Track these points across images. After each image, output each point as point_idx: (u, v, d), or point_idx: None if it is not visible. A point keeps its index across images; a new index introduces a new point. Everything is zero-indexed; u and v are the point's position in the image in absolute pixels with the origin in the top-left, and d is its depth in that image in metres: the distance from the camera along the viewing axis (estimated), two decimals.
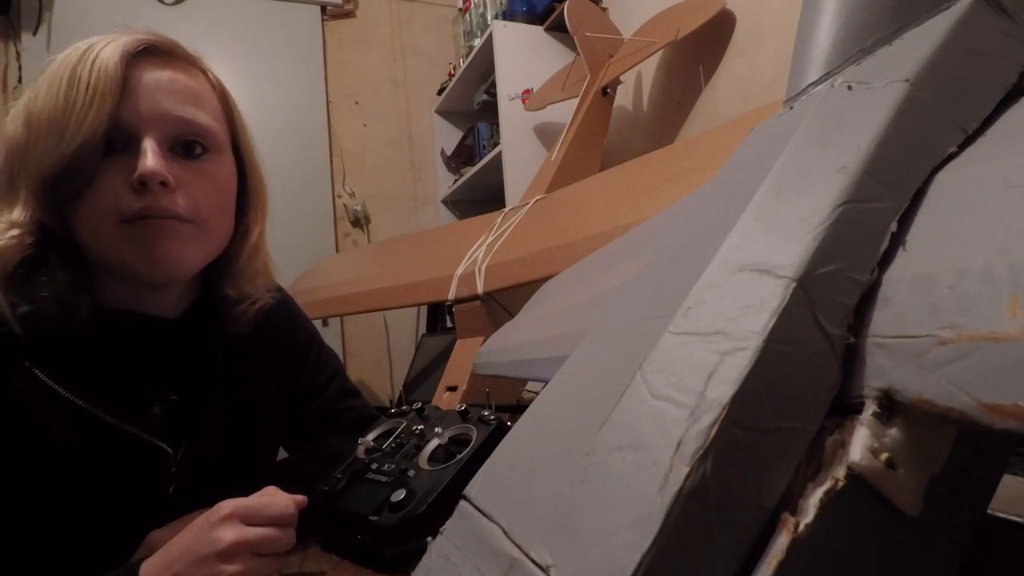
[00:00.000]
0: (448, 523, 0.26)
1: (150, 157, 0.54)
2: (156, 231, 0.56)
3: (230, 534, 0.47)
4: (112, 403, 0.58)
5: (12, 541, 0.54)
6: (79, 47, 0.55)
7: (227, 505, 0.49)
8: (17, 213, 0.54)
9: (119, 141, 0.54)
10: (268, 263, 0.71)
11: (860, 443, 0.18)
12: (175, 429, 0.62)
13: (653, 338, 0.23)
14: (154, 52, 0.57)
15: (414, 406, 0.71)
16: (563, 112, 1.92)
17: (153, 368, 0.62)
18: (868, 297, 0.20)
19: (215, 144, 0.60)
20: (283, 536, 0.49)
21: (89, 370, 0.58)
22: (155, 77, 0.56)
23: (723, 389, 0.19)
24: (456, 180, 2.56)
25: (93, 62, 0.53)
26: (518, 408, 0.83)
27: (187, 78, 0.59)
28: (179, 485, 0.61)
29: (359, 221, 2.60)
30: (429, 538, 0.27)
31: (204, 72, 0.62)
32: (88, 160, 0.53)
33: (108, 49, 0.54)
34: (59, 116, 0.52)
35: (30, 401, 0.55)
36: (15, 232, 0.53)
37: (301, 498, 0.52)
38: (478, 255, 1.39)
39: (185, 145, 0.58)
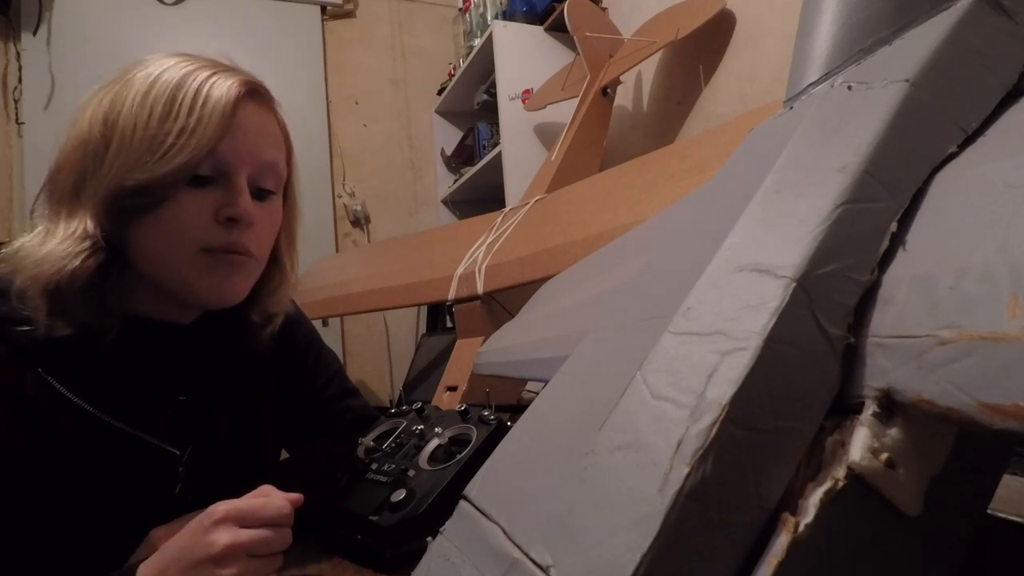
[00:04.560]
0: (448, 523, 0.26)
1: (246, 199, 0.57)
2: (231, 266, 0.58)
3: (224, 537, 0.46)
4: (121, 407, 0.58)
5: (19, 541, 0.54)
6: (172, 69, 0.56)
7: (220, 508, 0.48)
8: (88, 223, 0.54)
9: (210, 173, 0.56)
10: (291, 288, 0.73)
11: (860, 443, 0.18)
12: (182, 431, 0.62)
13: (653, 338, 0.23)
14: (255, 96, 0.59)
15: (414, 406, 0.71)
16: (563, 112, 1.92)
17: (164, 371, 0.62)
18: (868, 297, 0.20)
19: (280, 187, 0.63)
20: (279, 537, 0.49)
21: (101, 375, 0.57)
22: (257, 121, 0.59)
23: (723, 389, 0.19)
24: (456, 180, 2.56)
25: (199, 91, 0.55)
26: (518, 408, 0.83)
27: (275, 124, 0.62)
28: (185, 486, 0.61)
29: (359, 221, 2.60)
30: (429, 538, 0.27)
31: (278, 115, 0.64)
32: (175, 182, 0.54)
33: (219, 86, 0.56)
34: (155, 134, 0.53)
35: (40, 405, 0.54)
36: (87, 245, 0.54)
37: (296, 496, 0.51)
38: (478, 255, 1.39)
39: (260, 186, 0.60)
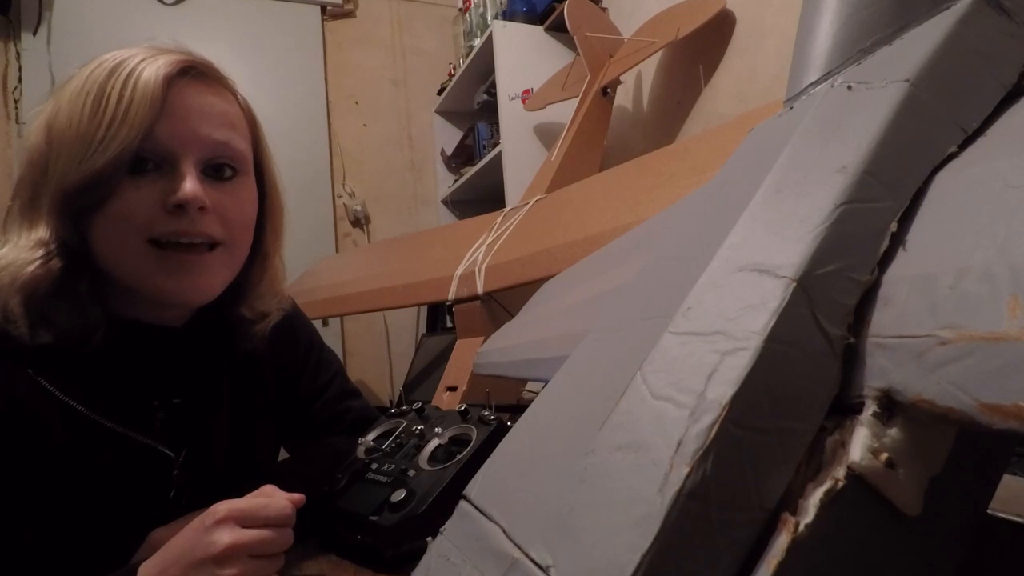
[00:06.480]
0: (448, 523, 0.26)
1: (190, 182, 0.54)
2: (190, 264, 0.56)
3: (225, 537, 0.46)
4: (115, 409, 0.57)
5: (14, 544, 0.54)
6: (106, 62, 0.55)
7: (222, 508, 0.48)
8: (42, 231, 0.54)
9: (152, 160, 0.54)
10: (281, 281, 0.71)
11: (860, 443, 0.18)
12: (178, 434, 0.61)
13: (653, 338, 0.23)
14: (192, 73, 0.57)
15: (414, 406, 0.71)
16: (563, 112, 1.92)
17: (157, 374, 0.62)
18: (868, 297, 0.20)
19: (244, 167, 0.61)
20: (280, 537, 0.49)
21: (92, 377, 0.57)
22: (194, 100, 0.56)
23: (723, 389, 0.19)
24: (456, 180, 2.56)
25: (128, 78, 0.53)
26: (518, 408, 0.83)
27: (222, 101, 0.60)
28: (181, 489, 0.61)
29: (359, 221, 2.60)
30: (429, 538, 0.27)
31: (234, 93, 0.62)
32: (114, 174, 0.52)
33: (148, 68, 0.54)
34: (86, 130, 0.52)
35: (33, 407, 0.54)
36: (41, 253, 0.53)
37: (299, 496, 0.51)
38: (478, 255, 1.39)
39: (216, 167, 0.58)
